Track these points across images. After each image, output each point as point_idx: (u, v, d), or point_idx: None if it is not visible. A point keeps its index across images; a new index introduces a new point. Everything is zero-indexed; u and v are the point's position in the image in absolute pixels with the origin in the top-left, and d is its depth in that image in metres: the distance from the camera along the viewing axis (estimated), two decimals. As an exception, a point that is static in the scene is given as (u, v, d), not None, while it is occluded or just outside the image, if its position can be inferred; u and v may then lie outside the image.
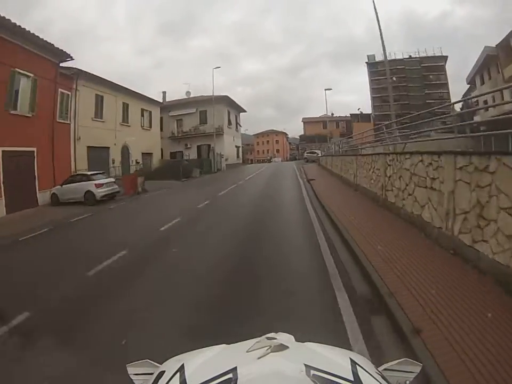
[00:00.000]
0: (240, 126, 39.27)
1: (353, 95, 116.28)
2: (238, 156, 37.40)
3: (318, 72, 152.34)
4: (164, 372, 0.81)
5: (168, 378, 0.75)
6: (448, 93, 56.31)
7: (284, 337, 0.92)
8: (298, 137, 74.14)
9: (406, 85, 57.83)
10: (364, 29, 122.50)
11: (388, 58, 56.17)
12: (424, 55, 57.67)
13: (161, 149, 29.48)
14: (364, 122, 40.80)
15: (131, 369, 1.00)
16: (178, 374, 0.75)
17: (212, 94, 27.86)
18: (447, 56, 57.71)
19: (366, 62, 57.60)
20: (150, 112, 24.23)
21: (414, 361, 0.94)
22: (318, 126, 42.51)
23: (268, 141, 78.84)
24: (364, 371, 0.73)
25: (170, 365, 0.84)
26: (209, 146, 28.22)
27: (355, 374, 0.70)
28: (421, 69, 57.03)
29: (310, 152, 35.54)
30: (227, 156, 31.05)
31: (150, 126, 24.23)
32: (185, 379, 0.72)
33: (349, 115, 48.55)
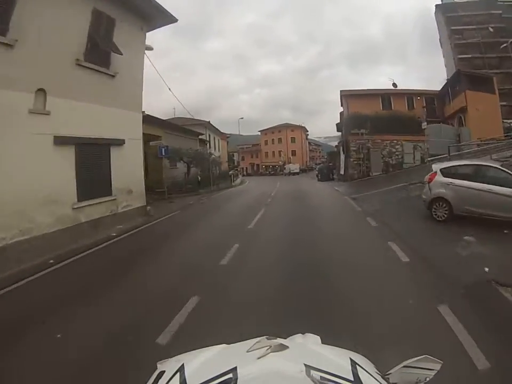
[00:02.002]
0: (117, 52, 8.49)
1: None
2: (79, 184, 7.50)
3: (335, 73, 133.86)
4: (164, 372, 0.80)
5: (168, 378, 0.75)
6: None
7: (311, 339, 0.93)
8: (317, 137, 52.22)
9: (507, 40, 34.37)
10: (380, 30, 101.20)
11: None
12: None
13: None
14: (483, 92, 18.99)
15: (161, 366, 0.95)
16: (178, 374, 0.74)
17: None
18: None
19: (437, 5, 35.29)
20: None
21: (434, 359, 0.90)
22: (372, 103, 20.50)
23: (279, 139, 57.18)
24: (364, 371, 0.73)
25: (170, 365, 0.83)
26: None
27: (355, 374, 0.70)
28: (525, 17, 33.97)
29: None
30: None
31: None
32: (185, 379, 0.71)
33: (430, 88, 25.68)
